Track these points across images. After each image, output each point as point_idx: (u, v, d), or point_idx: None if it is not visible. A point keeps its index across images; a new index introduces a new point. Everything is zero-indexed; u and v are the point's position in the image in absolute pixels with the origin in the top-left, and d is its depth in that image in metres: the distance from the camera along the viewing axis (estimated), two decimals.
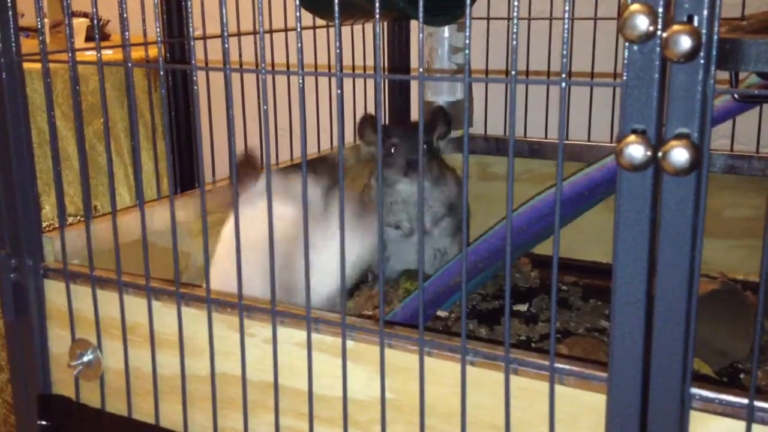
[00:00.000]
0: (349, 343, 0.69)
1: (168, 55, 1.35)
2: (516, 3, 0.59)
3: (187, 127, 1.32)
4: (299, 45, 0.66)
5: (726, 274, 1.30)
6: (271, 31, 1.31)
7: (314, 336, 0.70)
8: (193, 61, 0.71)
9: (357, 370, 0.70)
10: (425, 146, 1.26)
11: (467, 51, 0.63)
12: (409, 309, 1.07)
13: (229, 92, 0.69)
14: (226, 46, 0.68)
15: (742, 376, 1.04)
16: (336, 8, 0.65)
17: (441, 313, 1.23)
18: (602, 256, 1.42)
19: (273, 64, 1.31)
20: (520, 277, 1.41)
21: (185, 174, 1.34)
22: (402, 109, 1.60)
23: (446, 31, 1.49)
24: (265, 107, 0.68)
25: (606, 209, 1.19)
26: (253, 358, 0.74)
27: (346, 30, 1.49)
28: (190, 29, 0.71)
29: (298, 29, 0.67)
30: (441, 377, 0.67)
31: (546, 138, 1.49)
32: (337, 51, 0.65)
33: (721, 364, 1.06)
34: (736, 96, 0.74)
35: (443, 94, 1.51)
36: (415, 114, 1.60)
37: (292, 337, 0.72)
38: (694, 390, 0.57)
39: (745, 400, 0.55)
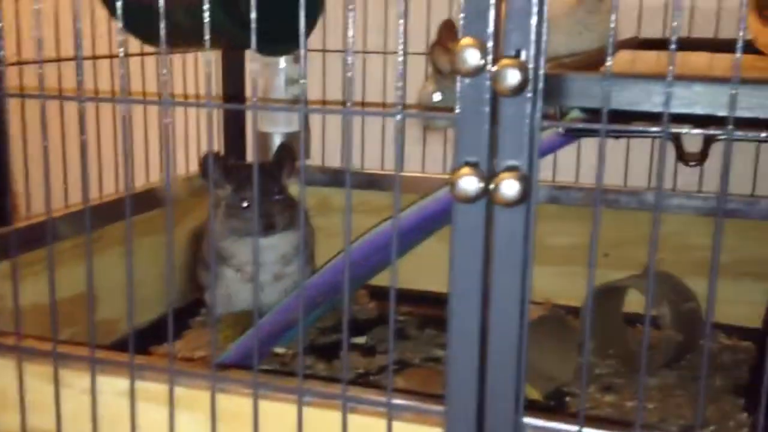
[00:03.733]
0: (178, 390, 0.65)
1: None
2: (351, 36, 0.58)
3: None
4: (123, 71, 0.62)
5: (551, 300, 1.36)
6: (94, 58, 1.24)
7: (138, 384, 0.65)
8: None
9: (187, 418, 0.65)
10: (280, 195, 1.22)
11: (303, 81, 0.61)
12: (243, 349, 1.03)
13: (44, 121, 0.63)
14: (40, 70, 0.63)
15: (567, 399, 1.08)
16: (162, 33, 0.61)
17: (278, 350, 1.20)
18: (436, 286, 1.44)
19: (97, 92, 1.24)
20: (358, 310, 1.40)
21: None
22: (237, 139, 1.56)
23: (282, 62, 1.47)
24: (84, 136, 0.63)
25: (438, 239, 1.21)
26: (70, 411, 0.67)
27: (177, 59, 1.44)
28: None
29: (122, 54, 0.62)
30: (279, 420, 0.64)
31: (382, 170, 1.51)
32: (164, 77, 0.62)
33: (548, 389, 1.09)
34: (561, 130, 0.77)
35: (280, 125, 1.49)
36: (251, 144, 1.56)
37: (113, 386, 0.67)
38: (527, 419, 0.57)
39: (575, 427, 0.56)
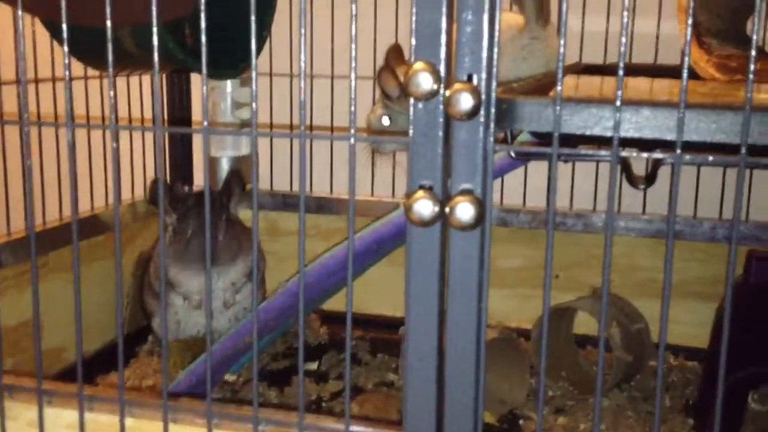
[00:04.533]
0: (128, 421, 0.63)
1: None
2: (302, 60, 0.58)
3: None
4: (68, 94, 0.61)
5: (502, 323, 1.37)
6: (36, 81, 1.21)
7: (87, 415, 0.63)
8: None
9: None
10: (227, 223, 1.21)
11: (253, 105, 0.61)
12: (193, 376, 1.01)
13: None
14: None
15: (521, 422, 1.08)
16: (109, 57, 0.60)
17: (228, 378, 1.18)
18: (388, 309, 1.44)
19: (39, 115, 1.21)
20: (309, 334, 1.39)
21: None
22: (184, 163, 1.54)
23: (229, 85, 1.46)
24: (29, 161, 0.62)
25: (388, 263, 1.20)
26: None
27: (121, 81, 1.42)
28: None
29: (67, 78, 0.61)
30: None
31: (331, 194, 1.50)
32: (111, 101, 0.61)
33: (501, 411, 1.10)
34: (512, 153, 0.79)
35: (227, 149, 1.47)
36: (198, 168, 1.55)
37: (62, 418, 0.64)
38: None
39: None
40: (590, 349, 1.31)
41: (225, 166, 1.48)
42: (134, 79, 1.40)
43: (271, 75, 1.49)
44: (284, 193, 1.51)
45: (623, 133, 0.52)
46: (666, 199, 1.34)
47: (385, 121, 1.21)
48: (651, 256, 1.33)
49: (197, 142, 1.55)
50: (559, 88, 0.52)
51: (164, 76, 1.48)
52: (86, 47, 1.12)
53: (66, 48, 0.63)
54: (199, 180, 1.55)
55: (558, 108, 0.52)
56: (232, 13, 1.24)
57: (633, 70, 1.03)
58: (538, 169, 1.36)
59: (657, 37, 1.35)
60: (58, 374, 1.12)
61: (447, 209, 0.53)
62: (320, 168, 1.52)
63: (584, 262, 1.36)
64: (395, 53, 1.27)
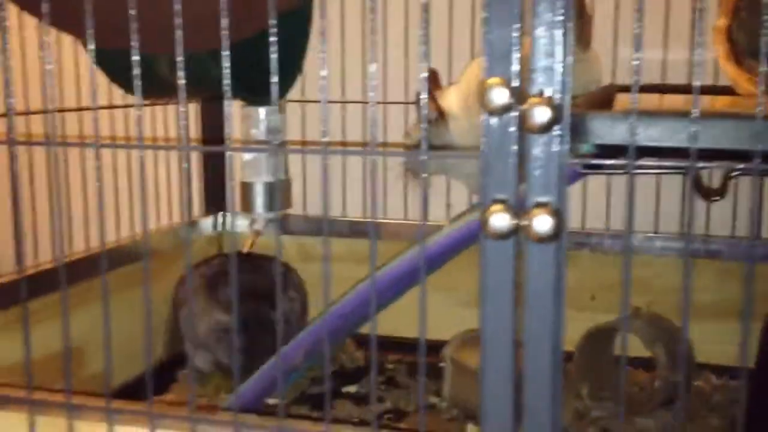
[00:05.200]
0: None
1: None
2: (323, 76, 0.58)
3: None
4: (95, 116, 0.62)
5: None
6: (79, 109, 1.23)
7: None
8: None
9: None
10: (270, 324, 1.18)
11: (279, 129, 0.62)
12: (242, 399, 1.01)
13: (15, 167, 0.62)
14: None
15: (594, 412, 1.08)
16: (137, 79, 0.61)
17: (270, 401, 1.18)
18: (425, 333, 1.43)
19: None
20: (345, 358, 1.39)
21: None
22: (216, 190, 1.56)
23: (262, 113, 1.48)
24: (98, 183, 0.62)
25: (426, 287, 1.20)
26: None
27: (159, 108, 1.44)
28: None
29: (95, 106, 0.62)
30: None
31: (364, 217, 1.51)
32: (136, 119, 0.61)
33: None
34: (579, 166, 0.79)
35: (261, 175, 1.48)
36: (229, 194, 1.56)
37: None
38: None
39: None
40: (630, 369, 1.30)
41: (259, 191, 1.49)
42: (170, 108, 1.43)
43: (303, 102, 1.51)
44: (317, 218, 1.51)
45: (699, 145, 0.53)
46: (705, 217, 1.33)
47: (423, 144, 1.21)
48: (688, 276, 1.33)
49: (229, 166, 1.56)
50: (634, 100, 0.52)
51: (197, 105, 1.50)
52: (118, 70, 1.14)
53: (104, 73, 0.64)
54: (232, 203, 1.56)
55: (634, 121, 0.53)
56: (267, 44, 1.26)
57: (668, 90, 1.04)
58: (572, 188, 1.37)
59: (689, 62, 1.36)
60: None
61: (525, 222, 0.53)
62: (354, 191, 1.52)
63: (620, 283, 1.35)
64: (431, 78, 1.28)
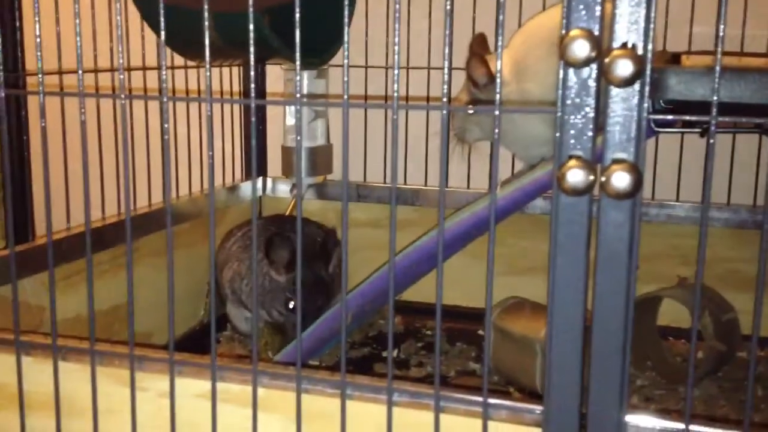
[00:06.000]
0: (260, 391, 0.63)
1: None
2: (396, 50, 0.57)
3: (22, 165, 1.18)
4: (160, 75, 0.61)
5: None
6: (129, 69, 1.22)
7: (219, 385, 0.64)
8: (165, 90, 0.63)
9: (269, 420, 0.63)
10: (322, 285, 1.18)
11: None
12: (288, 358, 1.01)
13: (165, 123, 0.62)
14: (121, 76, 0.62)
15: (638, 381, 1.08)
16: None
17: (312, 363, 1.18)
18: (463, 300, 1.43)
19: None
20: (384, 324, 1.39)
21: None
22: (260, 153, 1.56)
23: (306, 77, 1.47)
24: (166, 137, 0.62)
25: (465, 254, 1.19)
26: (146, 415, 0.66)
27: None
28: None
29: (163, 67, 0.61)
30: (363, 421, 0.62)
31: (405, 184, 1.51)
32: (208, 75, 0.61)
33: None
34: (652, 123, 0.78)
35: (304, 140, 1.48)
36: (272, 159, 1.56)
37: (192, 388, 0.65)
38: (630, 418, 0.57)
39: (681, 425, 0.56)
40: (672, 339, 1.30)
41: (303, 157, 1.49)
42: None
43: (366, 67, 1.51)
44: (358, 184, 1.51)
45: None
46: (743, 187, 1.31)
47: (470, 109, 1.20)
48: (735, 246, 1.31)
49: (272, 132, 1.56)
50: (719, 56, 0.51)
51: (240, 67, 1.49)
52: (174, 33, 1.13)
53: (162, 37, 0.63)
54: (274, 171, 1.56)
55: (717, 76, 0.51)
56: (316, 3, 1.25)
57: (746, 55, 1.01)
58: None
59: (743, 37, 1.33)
60: None
61: (603, 178, 0.52)
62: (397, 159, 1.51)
63: (664, 253, 1.34)
64: (480, 42, 1.27)
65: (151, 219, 1.20)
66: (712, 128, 0.52)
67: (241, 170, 1.52)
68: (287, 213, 1.45)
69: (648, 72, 0.52)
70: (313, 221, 1.34)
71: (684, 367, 1.20)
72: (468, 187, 1.47)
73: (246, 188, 1.49)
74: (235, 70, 1.47)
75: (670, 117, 0.55)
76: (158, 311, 1.06)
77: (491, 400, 0.59)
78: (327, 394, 0.63)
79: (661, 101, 0.64)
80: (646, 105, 0.53)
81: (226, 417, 0.64)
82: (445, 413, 0.60)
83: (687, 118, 0.50)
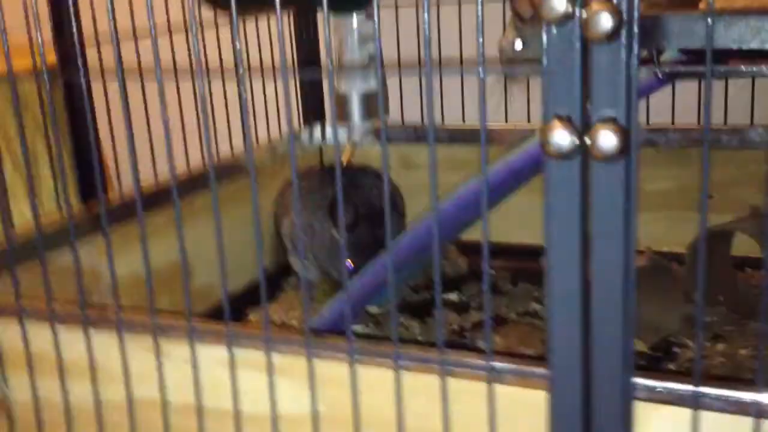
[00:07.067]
0: (275, 357, 0.65)
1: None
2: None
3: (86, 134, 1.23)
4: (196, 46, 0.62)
5: (651, 248, 1.31)
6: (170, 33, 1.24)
7: (236, 351, 0.66)
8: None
9: (285, 384, 0.65)
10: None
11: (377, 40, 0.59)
12: (336, 311, 1.03)
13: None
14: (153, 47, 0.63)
15: (676, 350, 1.04)
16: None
17: (371, 310, 1.20)
18: (528, 238, 1.40)
19: (176, 65, 1.24)
20: (448, 265, 1.39)
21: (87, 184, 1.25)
22: (315, 102, 1.56)
23: (354, 20, 1.45)
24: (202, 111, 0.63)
25: (528, 191, 1.17)
26: (173, 380, 0.69)
27: (249, 25, 1.44)
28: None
29: (194, 32, 0.62)
30: (374, 385, 0.63)
31: (464, 123, 1.47)
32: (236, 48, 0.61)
33: (653, 340, 1.06)
34: (658, 73, 0.73)
35: (356, 85, 1.47)
36: (327, 106, 1.56)
37: (212, 354, 0.68)
38: (637, 379, 0.55)
39: (690, 387, 0.54)
40: (749, 271, 1.24)
41: (355, 101, 1.48)
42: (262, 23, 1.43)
43: (396, 7, 1.46)
44: (415, 126, 1.49)
45: None
46: None
47: (518, 45, 1.16)
48: None
49: (326, 80, 1.55)
50: None
51: (291, 18, 1.48)
52: None
53: None
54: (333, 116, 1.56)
55: (710, 21, 0.47)
56: None
57: None
58: (687, 86, 1.27)
59: None
60: (209, 311, 1.18)
61: (587, 140, 0.49)
62: (451, 98, 1.48)
63: (741, 181, 1.27)
64: None
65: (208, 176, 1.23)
66: (709, 79, 0.48)
67: (298, 118, 1.53)
68: (344, 162, 1.46)
69: (636, 24, 0.49)
70: (376, 173, 1.33)
71: (758, 300, 1.15)
72: (528, 122, 1.43)
73: (303, 137, 1.51)
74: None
75: (659, 69, 0.50)
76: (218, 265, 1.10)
77: (496, 364, 0.59)
78: (337, 359, 0.64)
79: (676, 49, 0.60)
80: (635, 58, 0.49)
81: (246, 382, 0.67)
82: (452, 377, 0.61)
83: (681, 70, 0.46)
